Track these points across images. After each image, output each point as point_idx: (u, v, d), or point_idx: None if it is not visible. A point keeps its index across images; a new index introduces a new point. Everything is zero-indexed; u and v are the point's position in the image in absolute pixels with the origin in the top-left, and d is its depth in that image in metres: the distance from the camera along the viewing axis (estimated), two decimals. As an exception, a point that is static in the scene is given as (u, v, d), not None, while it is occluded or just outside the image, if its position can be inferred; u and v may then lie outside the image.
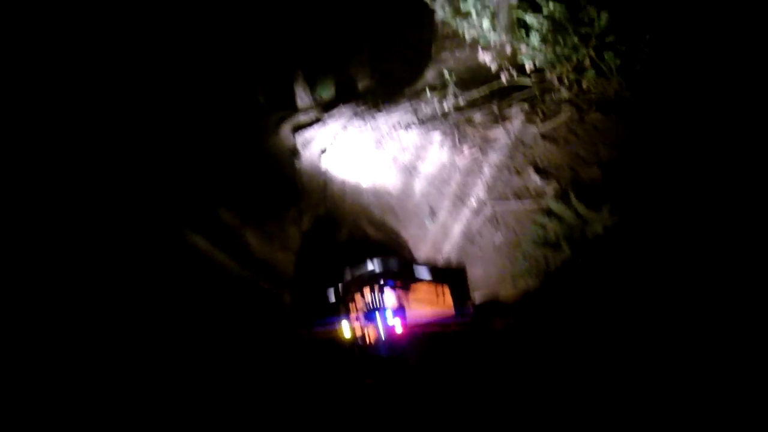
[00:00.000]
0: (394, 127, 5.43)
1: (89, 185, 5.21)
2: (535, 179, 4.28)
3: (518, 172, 4.45)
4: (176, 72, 6.70)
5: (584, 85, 4.50)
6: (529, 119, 4.61)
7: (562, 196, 4.11)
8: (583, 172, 4.23)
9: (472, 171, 4.63)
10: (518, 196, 4.33)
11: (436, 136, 4.93)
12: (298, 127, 6.61)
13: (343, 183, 5.80)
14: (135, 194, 5.43)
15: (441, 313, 4.00)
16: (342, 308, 3.86)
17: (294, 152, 6.44)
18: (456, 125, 4.84)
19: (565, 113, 4.51)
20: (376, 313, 3.66)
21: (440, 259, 4.74)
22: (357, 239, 5.83)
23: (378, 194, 5.45)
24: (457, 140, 4.78)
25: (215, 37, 7.09)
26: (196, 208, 5.76)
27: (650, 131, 4.15)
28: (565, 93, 4.53)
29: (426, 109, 5.25)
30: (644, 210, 3.75)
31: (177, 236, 5.43)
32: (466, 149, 4.71)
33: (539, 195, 4.22)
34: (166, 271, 5.01)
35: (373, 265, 3.77)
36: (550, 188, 4.21)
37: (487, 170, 4.57)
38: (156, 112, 6.35)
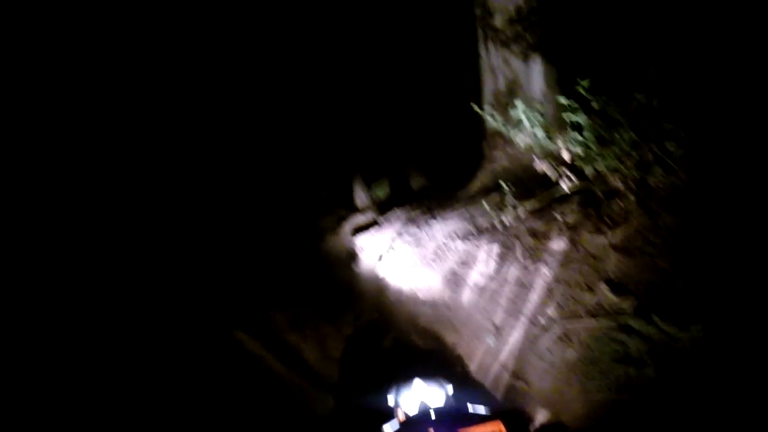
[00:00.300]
0: (450, 236, 5.24)
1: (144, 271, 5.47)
2: (610, 296, 3.92)
3: (590, 288, 4.09)
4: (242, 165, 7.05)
5: (651, 182, 4.17)
6: (596, 228, 4.30)
7: (641, 312, 3.71)
8: (664, 284, 3.83)
9: (537, 287, 4.31)
10: (592, 314, 3.95)
11: (496, 248, 4.68)
12: (357, 230, 6.67)
13: (400, 292, 5.59)
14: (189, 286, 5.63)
15: None
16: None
17: (352, 255, 6.39)
18: (517, 236, 4.58)
19: (636, 219, 4.17)
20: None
21: (501, 376, 4.38)
22: (407, 349, 5.60)
23: (435, 306, 5.18)
24: (519, 253, 4.50)
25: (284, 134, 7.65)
26: (248, 306, 5.84)
27: (728, 226, 3.76)
28: (631, 196, 4.22)
29: (482, 218, 5.04)
30: (736, 320, 3.32)
31: (225, 334, 5.56)
32: (529, 263, 4.42)
33: (616, 312, 3.84)
34: (212, 369, 5.14)
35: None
36: (627, 304, 3.82)
37: (554, 286, 4.24)
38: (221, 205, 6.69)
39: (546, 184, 4.71)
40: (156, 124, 7.40)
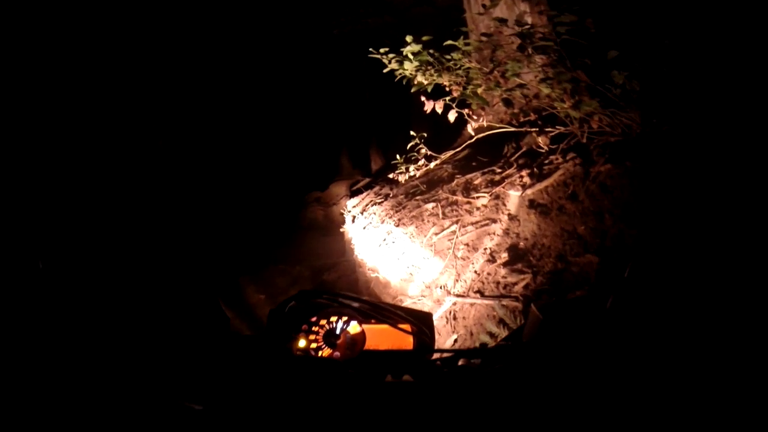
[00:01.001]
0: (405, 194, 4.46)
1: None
2: (503, 270, 2.94)
3: (492, 257, 3.13)
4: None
5: (594, 125, 3.01)
6: (520, 179, 3.26)
7: (528, 299, 2.72)
8: (573, 261, 2.77)
9: (442, 250, 3.43)
10: (479, 292, 3.02)
11: (410, 204, 3.83)
12: (353, 193, 6.53)
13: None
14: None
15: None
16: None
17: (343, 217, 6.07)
18: (430, 191, 3.69)
19: (567, 169, 3.07)
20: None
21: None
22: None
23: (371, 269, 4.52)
24: (441, 214, 3.62)
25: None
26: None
27: (679, 190, 2.55)
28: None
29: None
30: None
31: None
32: (441, 222, 3.53)
33: (502, 294, 2.87)
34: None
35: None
36: (519, 287, 2.84)
37: (461, 251, 3.34)
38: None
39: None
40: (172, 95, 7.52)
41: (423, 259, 3.56)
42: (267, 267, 5.73)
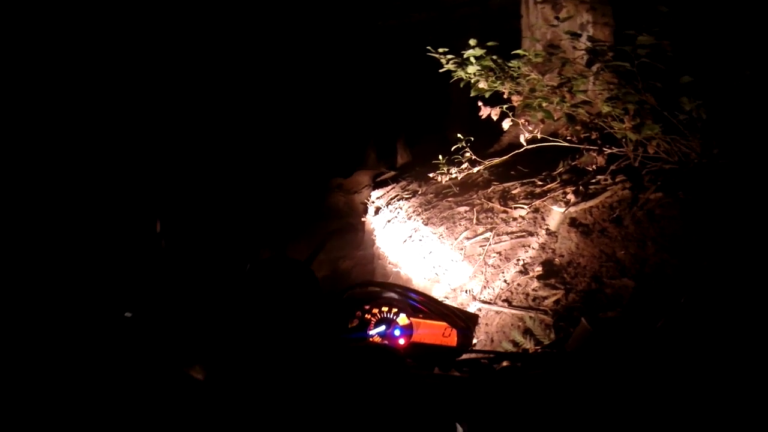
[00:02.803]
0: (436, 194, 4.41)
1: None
2: (536, 283, 2.90)
3: (524, 269, 3.09)
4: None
5: (650, 149, 2.96)
6: (563, 196, 3.21)
7: (558, 314, 2.68)
8: (608, 283, 2.73)
9: (473, 255, 3.39)
10: (508, 302, 2.98)
11: (447, 207, 3.78)
12: (377, 185, 6.57)
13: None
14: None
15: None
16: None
17: (365, 207, 6.04)
18: (471, 196, 3.64)
19: (616, 191, 3.02)
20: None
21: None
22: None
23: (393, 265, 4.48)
24: (467, 215, 3.58)
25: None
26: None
27: (732, 227, 2.50)
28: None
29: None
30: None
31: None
32: (475, 227, 3.48)
33: (530, 306, 2.83)
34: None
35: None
36: (550, 301, 2.80)
37: (492, 257, 3.29)
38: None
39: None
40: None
41: (451, 262, 3.52)
42: (285, 248, 5.71)
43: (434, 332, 1.83)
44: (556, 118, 3.05)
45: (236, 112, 7.69)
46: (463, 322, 1.84)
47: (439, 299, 2.20)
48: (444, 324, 1.81)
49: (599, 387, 1.52)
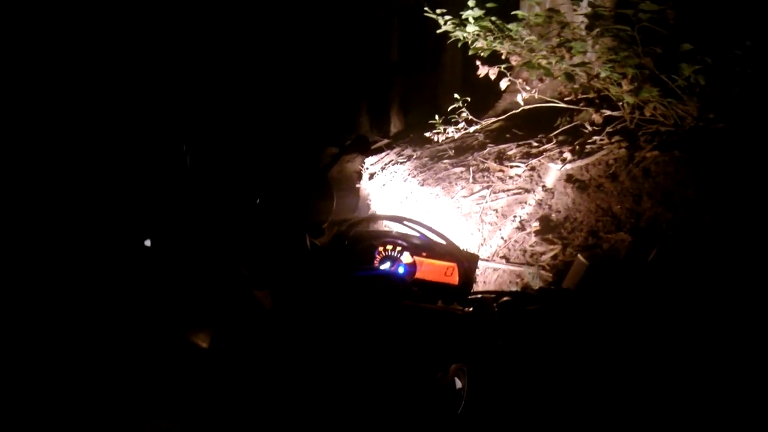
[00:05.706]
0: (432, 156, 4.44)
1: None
2: (533, 239, 2.96)
3: (521, 227, 3.14)
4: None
5: (647, 112, 3.00)
6: (560, 154, 3.26)
7: (556, 269, 2.74)
8: (605, 237, 2.79)
9: (472, 213, 3.43)
10: (506, 258, 3.04)
11: (444, 167, 3.81)
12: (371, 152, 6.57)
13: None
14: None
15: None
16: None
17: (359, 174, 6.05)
18: (467, 155, 3.67)
19: (612, 149, 3.07)
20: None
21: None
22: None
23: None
24: (464, 174, 3.61)
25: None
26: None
27: (726, 184, 2.56)
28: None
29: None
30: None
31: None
32: (473, 186, 3.52)
33: (530, 262, 2.89)
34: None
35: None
36: (548, 256, 2.86)
37: (490, 216, 3.34)
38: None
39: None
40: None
41: (448, 220, 3.56)
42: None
43: (437, 270, 1.89)
44: (555, 76, 3.08)
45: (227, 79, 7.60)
46: (466, 261, 1.90)
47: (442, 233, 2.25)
48: (446, 263, 1.87)
49: (596, 320, 1.58)
